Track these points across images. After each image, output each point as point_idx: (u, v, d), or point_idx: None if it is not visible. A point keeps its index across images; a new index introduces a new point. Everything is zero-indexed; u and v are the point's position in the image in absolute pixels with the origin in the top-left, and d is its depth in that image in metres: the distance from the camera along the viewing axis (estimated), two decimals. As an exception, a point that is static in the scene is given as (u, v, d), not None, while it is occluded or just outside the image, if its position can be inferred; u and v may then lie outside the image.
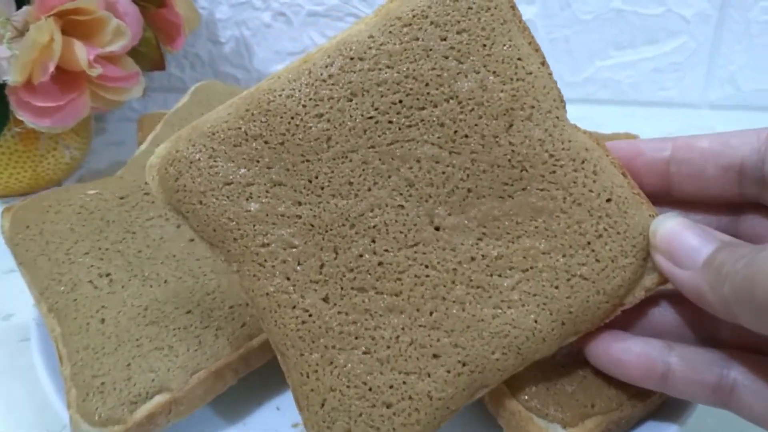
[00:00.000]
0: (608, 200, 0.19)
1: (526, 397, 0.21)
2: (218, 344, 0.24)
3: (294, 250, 0.19)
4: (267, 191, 0.19)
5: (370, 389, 0.19)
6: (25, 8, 0.37)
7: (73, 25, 0.38)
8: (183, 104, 0.39)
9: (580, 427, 0.21)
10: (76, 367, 0.23)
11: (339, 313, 0.19)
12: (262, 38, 0.56)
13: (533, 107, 0.19)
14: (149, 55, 0.47)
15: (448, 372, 0.19)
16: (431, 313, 0.19)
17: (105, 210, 0.29)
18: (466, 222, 0.19)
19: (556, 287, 0.19)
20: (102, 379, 0.22)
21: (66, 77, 0.39)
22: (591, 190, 0.19)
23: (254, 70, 0.57)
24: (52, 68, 0.37)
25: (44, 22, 0.36)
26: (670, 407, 0.22)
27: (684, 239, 0.18)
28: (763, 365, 0.18)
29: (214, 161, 0.19)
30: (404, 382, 0.19)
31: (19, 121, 0.39)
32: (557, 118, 0.19)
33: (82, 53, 0.38)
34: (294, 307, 0.19)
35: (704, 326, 0.19)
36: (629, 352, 0.19)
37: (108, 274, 0.26)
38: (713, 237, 0.18)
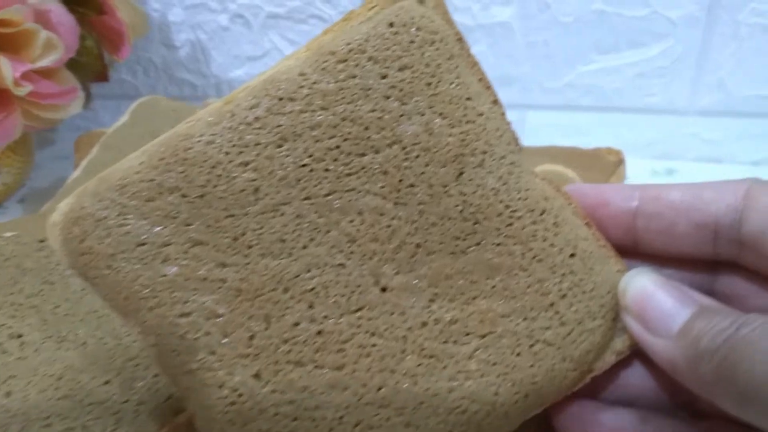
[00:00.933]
0: (572, 255, 0.18)
1: None
2: (139, 422, 0.22)
3: (219, 319, 0.17)
4: (186, 252, 0.17)
5: None
6: (-60, 21, 0.35)
7: None
8: (122, 124, 0.37)
9: None
10: None
11: (273, 391, 0.17)
12: (219, 42, 0.54)
13: (485, 152, 0.18)
14: (91, 66, 0.46)
15: None
16: (379, 389, 0.17)
17: (22, 256, 0.27)
18: (415, 282, 0.18)
19: (518, 354, 0.18)
20: None
21: None
22: (552, 245, 0.18)
23: (212, 76, 0.56)
24: None
25: None
26: None
27: (656, 301, 0.16)
28: None
29: (125, 219, 0.17)
30: None
31: (-56, 145, 0.37)
32: (512, 164, 0.18)
33: (7, 70, 0.36)
34: (221, 386, 0.17)
35: (682, 392, 0.18)
36: (600, 426, 0.18)
37: (20, 336, 0.24)
38: (691, 299, 0.16)
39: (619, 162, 0.38)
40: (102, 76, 0.47)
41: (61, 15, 0.40)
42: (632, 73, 0.50)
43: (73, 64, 0.41)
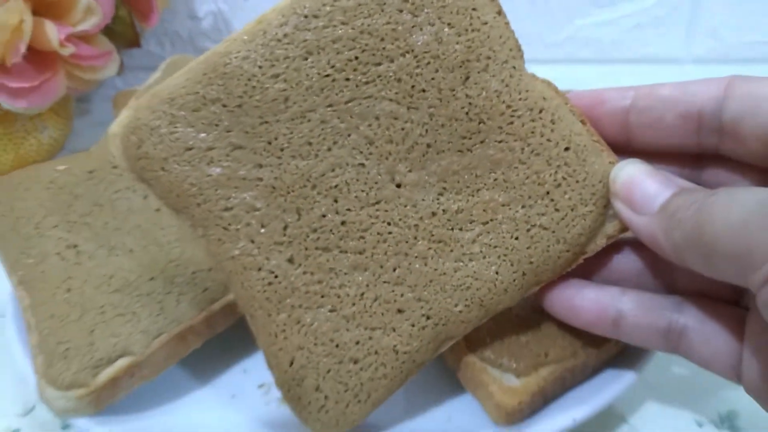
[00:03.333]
0: (566, 149, 0.19)
1: (481, 349, 0.22)
2: (180, 309, 0.24)
3: (257, 212, 0.19)
4: (227, 155, 0.19)
5: (336, 346, 0.19)
6: (-7, -12, 0.36)
7: (43, 5, 0.37)
8: (155, 79, 0.39)
9: (534, 376, 0.21)
10: (43, 335, 0.23)
11: (304, 273, 0.19)
12: (239, 11, 0.55)
13: (489, 58, 0.19)
14: (124, 34, 0.47)
15: (413, 326, 0.19)
16: (394, 269, 0.19)
17: (73, 184, 0.29)
18: (426, 178, 0.19)
19: (516, 238, 0.19)
20: (66, 345, 0.23)
21: (39, 57, 0.38)
22: (549, 140, 0.19)
23: (233, 44, 0.57)
24: (23, 49, 0.36)
25: (14, 3, 0.35)
26: (627, 356, 0.23)
27: (643, 185, 0.17)
28: (713, 310, 0.18)
29: (174, 127, 0.19)
30: (370, 338, 0.19)
31: (-4, 104, 0.39)
32: (514, 68, 0.19)
33: (53, 33, 0.37)
34: (260, 269, 0.19)
35: (663, 273, 0.19)
36: (582, 299, 0.19)
37: (75, 246, 0.26)
38: (672, 183, 0.17)
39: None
40: (135, 43, 0.48)
41: (98, -16, 0.41)
42: (629, 24, 0.49)
43: (107, 32, 0.42)
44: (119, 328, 0.23)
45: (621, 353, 0.23)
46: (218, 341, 0.25)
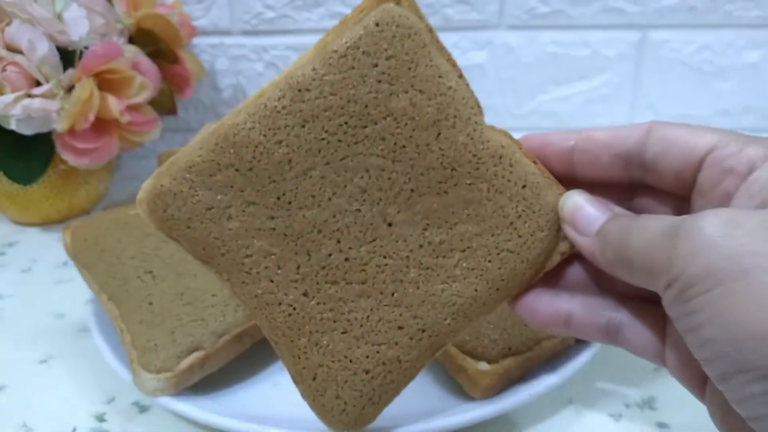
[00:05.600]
0: (524, 186, 0.16)
1: (462, 344, 0.20)
2: (237, 316, 0.22)
3: (273, 256, 0.16)
4: (243, 210, 0.15)
5: (350, 361, 0.16)
6: (70, 70, 0.33)
7: (107, 82, 0.33)
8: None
9: (501, 363, 0.20)
10: (134, 336, 0.22)
11: (318, 303, 0.16)
12: (255, 85, 0.50)
13: (455, 116, 0.15)
14: (164, 104, 0.43)
15: (411, 339, 0.16)
16: (393, 294, 0.16)
17: (143, 225, 0.26)
18: (412, 216, 0.16)
19: (489, 261, 0.16)
20: (154, 342, 0.21)
21: (101, 124, 0.34)
22: (509, 180, 0.16)
23: (249, 112, 0.52)
24: (92, 118, 0.33)
25: (85, 81, 0.32)
26: (571, 352, 0.22)
27: (584, 211, 0.15)
28: (643, 310, 0.16)
29: (195, 191, 0.15)
30: (377, 352, 0.16)
31: (62, 161, 0.34)
32: (476, 123, 0.16)
33: (114, 105, 0.33)
34: (280, 303, 0.16)
35: (604, 281, 0.17)
36: (540, 302, 0.16)
37: (151, 271, 0.24)
38: (607, 209, 0.15)
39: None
40: (172, 111, 0.44)
41: (148, 65, 0.38)
42: (581, 100, 0.46)
43: (151, 102, 0.38)
44: (193, 330, 0.22)
45: (566, 350, 0.21)
46: (263, 344, 0.23)
